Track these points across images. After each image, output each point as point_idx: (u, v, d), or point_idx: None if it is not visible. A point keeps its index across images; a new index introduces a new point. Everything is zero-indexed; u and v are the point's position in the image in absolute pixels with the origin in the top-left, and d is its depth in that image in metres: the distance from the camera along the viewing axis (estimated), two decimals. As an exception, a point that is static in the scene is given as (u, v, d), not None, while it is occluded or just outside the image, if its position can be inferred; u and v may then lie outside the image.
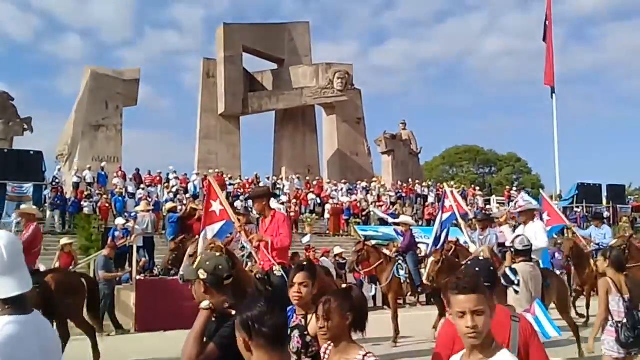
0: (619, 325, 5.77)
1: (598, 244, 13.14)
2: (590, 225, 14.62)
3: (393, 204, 29.09)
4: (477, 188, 39.29)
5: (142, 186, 25.83)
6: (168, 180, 27.34)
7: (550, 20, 39.67)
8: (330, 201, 27.94)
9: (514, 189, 38.05)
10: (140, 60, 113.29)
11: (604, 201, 33.20)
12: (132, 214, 18.35)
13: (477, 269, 3.47)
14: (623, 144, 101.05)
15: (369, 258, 11.66)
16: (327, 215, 26.84)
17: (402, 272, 11.62)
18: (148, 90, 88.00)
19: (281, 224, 7.28)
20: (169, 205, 19.30)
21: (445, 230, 13.60)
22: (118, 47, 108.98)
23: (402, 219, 15.21)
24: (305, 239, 19.73)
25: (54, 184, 24.42)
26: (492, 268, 3.56)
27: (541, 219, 12.84)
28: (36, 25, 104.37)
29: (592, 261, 12.92)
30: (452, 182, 45.37)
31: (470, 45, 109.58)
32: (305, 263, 4.19)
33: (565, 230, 19.02)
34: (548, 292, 8.47)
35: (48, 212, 22.43)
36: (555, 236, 17.43)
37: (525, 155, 69.03)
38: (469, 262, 3.80)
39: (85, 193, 24.01)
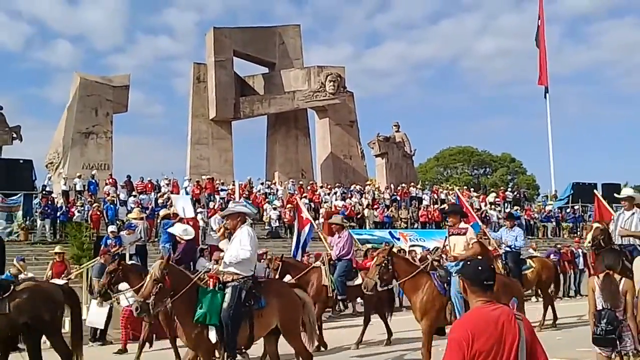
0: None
1: (510, 247, 12.68)
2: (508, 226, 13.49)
3: (388, 207, 28.91)
4: (472, 189, 39.21)
5: (133, 193, 25.57)
6: (159, 187, 27.08)
7: (543, 20, 39.69)
8: (324, 205, 27.74)
9: (509, 190, 37.94)
10: (132, 66, 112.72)
11: (600, 200, 32.99)
12: (132, 225, 18.16)
13: (479, 268, 3.46)
14: (618, 143, 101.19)
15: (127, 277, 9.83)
16: (321, 220, 26.60)
17: None
18: (140, 97, 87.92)
19: None
20: (163, 212, 19.07)
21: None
22: (110, 53, 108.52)
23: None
24: (301, 244, 19.54)
25: (44, 192, 24.14)
26: (492, 266, 3.72)
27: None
28: (26, 33, 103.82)
29: (499, 264, 12.42)
30: (447, 184, 45.32)
31: (464, 46, 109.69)
32: None
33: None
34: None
35: (38, 221, 22.17)
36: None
37: (520, 156, 68.94)
38: (468, 262, 3.70)
39: (78, 203, 23.76)
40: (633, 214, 9.62)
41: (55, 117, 31.16)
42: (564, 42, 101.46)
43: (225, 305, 6.83)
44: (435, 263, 8.77)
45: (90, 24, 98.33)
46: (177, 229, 13.10)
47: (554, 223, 30.79)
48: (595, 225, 9.84)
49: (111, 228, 17.91)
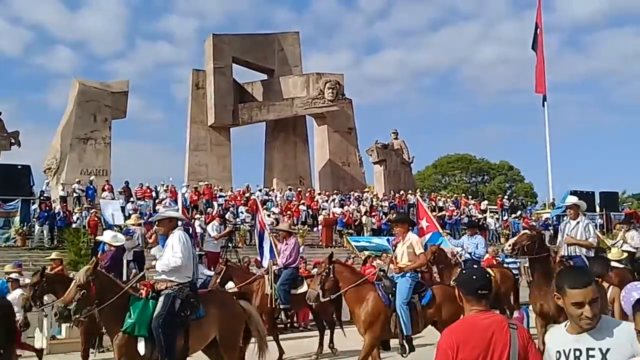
0: None
1: (470, 254, 12.45)
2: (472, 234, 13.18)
3: (386, 214, 28.91)
4: (470, 197, 39.24)
5: (131, 199, 25.55)
6: (157, 193, 27.07)
7: (541, 28, 39.82)
8: (323, 212, 27.76)
9: (506, 197, 38.00)
10: (131, 73, 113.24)
11: (597, 209, 33.17)
12: (130, 231, 18.12)
13: (474, 277, 3.46)
14: (616, 151, 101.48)
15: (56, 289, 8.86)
16: (319, 227, 26.65)
17: None
18: (140, 103, 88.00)
19: None
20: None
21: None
22: (109, 59, 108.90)
23: None
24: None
25: (42, 198, 24.14)
26: (488, 275, 3.57)
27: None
28: (26, 39, 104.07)
29: (458, 270, 12.25)
30: (445, 191, 45.36)
31: (464, 54, 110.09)
32: None
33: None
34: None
35: (37, 227, 22.13)
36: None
37: (518, 164, 69.12)
38: (463, 271, 3.69)
39: (76, 209, 23.74)
40: (578, 222, 9.32)
41: (54, 122, 31.27)
42: (562, 51, 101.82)
43: (155, 314, 6.42)
44: (381, 273, 8.35)
45: (90, 29, 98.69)
46: (107, 236, 12.73)
47: (552, 231, 30.79)
48: (523, 231, 9.38)
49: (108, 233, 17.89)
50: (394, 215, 10.91)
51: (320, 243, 25.55)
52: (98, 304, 6.40)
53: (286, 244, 11.09)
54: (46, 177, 28.48)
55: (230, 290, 10.22)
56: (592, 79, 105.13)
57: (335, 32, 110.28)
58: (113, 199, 25.35)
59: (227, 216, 23.73)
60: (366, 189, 33.84)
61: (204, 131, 33.11)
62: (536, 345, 3.34)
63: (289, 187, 31.36)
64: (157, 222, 7.24)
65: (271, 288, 10.57)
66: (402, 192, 32.36)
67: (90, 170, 28.29)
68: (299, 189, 31.19)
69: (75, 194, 25.83)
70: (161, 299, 6.52)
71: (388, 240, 20.06)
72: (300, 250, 11.42)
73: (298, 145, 35.77)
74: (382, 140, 35.81)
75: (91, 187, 26.35)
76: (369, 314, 7.68)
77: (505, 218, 31.65)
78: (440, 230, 14.05)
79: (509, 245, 8.93)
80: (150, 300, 6.55)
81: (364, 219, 27.70)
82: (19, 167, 24.09)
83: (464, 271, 3.75)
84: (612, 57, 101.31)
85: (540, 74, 39.78)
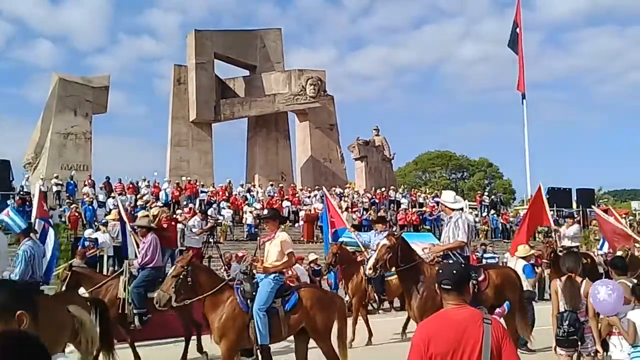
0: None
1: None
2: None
3: (367, 210, 29.11)
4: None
5: (112, 195, 25.47)
6: (139, 189, 26.99)
7: (520, 27, 40.16)
8: (304, 208, 27.88)
9: (485, 193, 38.40)
10: (113, 67, 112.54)
11: (574, 205, 33.66)
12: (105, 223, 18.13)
13: (440, 270, 3.49)
14: (594, 149, 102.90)
15: None
16: (301, 222, 26.77)
17: None
18: (122, 97, 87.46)
19: None
20: (141, 214, 19.02)
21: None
22: (91, 53, 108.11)
23: None
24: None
25: (21, 193, 23.95)
26: (455, 271, 3.51)
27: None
28: (6, 32, 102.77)
29: (362, 268, 11.30)
30: (425, 188, 45.65)
31: (446, 52, 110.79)
32: None
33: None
34: None
35: (13, 222, 21.92)
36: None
37: (497, 161, 69.98)
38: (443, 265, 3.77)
39: (57, 203, 23.58)
40: (451, 218, 8.31)
41: (34, 117, 30.85)
42: (542, 49, 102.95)
43: None
44: (242, 276, 7.74)
45: (72, 23, 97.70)
46: None
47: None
48: (382, 242, 7.99)
49: (87, 232, 17.97)
50: (266, 212, 9.92)
51: (302, 239, 25.68)
52: None
53: (143, 242, 9.99)
54: (26, 172, 28.27)
55: (83, 295, 9.36)
56: (571, 77, 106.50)
57: (318, 29, 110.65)
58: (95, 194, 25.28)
59: (209, 212, 23.74)
60: (347, 185, 34.05)
61: (186, 127, 33.07)
62: (511, 341, 3.30)
63: (271, 183, 31.45)
64: None
65: (124, 290, 9.68)
66: (383, 188, 32.59)
67: (71, 165, 28.18)
68: (280, 185, 31.29)
69: (55, 189, 25.65)
70: None
71: (369, 236, 20.28)
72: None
73: (280, 142, 35.87)
74: (363, 136, 36.09)
75: (72, 182, 26.20)
76: (222, 321, 7.01)
77: (484, 214, 31.99)
78: (347, 226, 13.91)
79: (370, 269, 7.90)
80: None
81: (344, 214, 27.81)
82: (-2, 161, 23.91)
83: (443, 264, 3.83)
84: (591, 55, 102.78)
85: (519, 72, 40.16)
